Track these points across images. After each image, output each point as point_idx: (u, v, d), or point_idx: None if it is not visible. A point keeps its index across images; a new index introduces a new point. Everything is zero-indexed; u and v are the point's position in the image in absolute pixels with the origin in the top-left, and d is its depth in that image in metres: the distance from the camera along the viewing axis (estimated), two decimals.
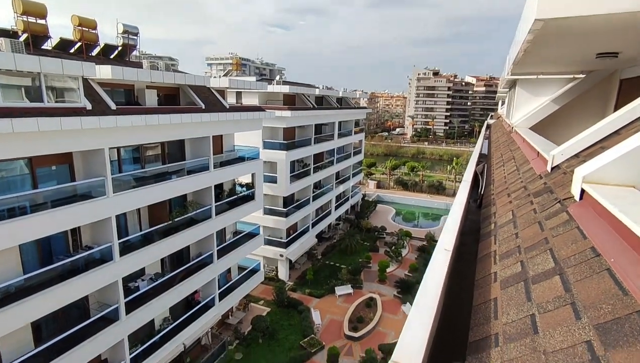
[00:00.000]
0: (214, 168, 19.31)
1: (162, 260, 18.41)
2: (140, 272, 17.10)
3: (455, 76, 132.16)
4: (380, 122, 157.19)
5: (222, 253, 21.09)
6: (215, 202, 19.85)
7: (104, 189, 13.65)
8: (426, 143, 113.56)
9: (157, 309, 16.70)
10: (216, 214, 19.85)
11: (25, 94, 11.71)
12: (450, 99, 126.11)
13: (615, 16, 2.60)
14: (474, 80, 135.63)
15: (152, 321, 17.63)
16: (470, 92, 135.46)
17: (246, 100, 30.37)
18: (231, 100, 29.33)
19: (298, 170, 31.48)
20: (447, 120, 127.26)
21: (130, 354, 15.72)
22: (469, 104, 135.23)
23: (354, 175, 44.78)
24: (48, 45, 16.66)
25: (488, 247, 2.36)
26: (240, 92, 29.97)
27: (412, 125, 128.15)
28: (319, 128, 34.83)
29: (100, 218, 13.71)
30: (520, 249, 1.95)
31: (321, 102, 37.08)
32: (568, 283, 1.39)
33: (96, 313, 14.38)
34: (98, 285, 13.84)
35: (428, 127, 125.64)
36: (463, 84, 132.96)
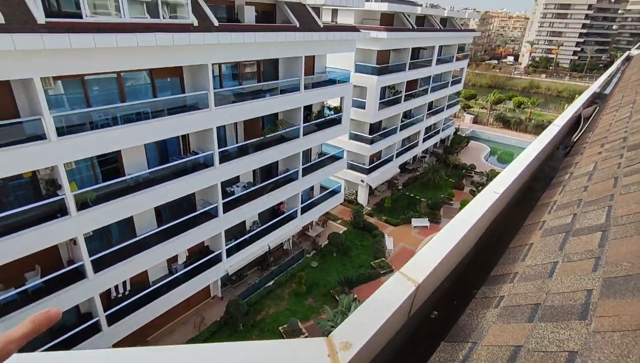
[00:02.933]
0: (305, 89, 19.74)
1: (254, 171, 20.53)
2: (236, 179, 19.49)
3: None
4: (490, 47, 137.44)
5: (306, 171, 22.54)
6: (304, 122, 20.69)
7: (207, 102, 15.24)
8: (544, 75, 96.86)
9: (248, 212, 19.22)
10: (304, 134, 20.81)
11: (146, 9, 13.01)
12: (587, 21, 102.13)
13: None
14: None
15: (244, 222, 20.46)
16: (620, 11, 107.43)
17: (341, 19, 29.02)
18: (326, 18, 28.29)
19: (388, 97, 30.32)
20: (578, 48, 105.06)
21: (225, 245, 18.85)
22: (614, 27, 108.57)
23: (449, 106, 41.47)
24: None
25: (551, 196, 2.27)
26: (336, 9, 28.60)
27: (530, 53, 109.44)
28: (415, 52, 32.16)
29: (204, 128, 15.56)
30: (581, 203, 1.87)
31: (422, 23, 33.56)
32: (604, 240, 1.37)
33: (200, 209, 17.21)
34: (202, 185, 16.29)
35: (550, 56, 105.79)
36: (612, 0, 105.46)
